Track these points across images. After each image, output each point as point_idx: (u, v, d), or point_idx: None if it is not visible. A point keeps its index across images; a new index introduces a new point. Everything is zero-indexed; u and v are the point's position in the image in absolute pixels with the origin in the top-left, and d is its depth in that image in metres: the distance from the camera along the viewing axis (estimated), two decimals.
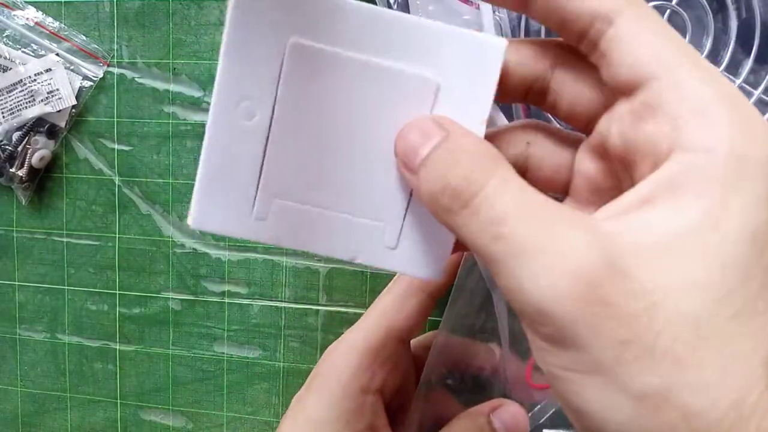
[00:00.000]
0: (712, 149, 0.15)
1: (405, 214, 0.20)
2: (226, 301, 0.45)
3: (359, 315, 0.43)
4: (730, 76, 0.31)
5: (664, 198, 0.16)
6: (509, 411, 0.28)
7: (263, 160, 0.20)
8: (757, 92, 0.31)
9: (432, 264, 0.20)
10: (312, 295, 0.44)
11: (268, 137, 0.20)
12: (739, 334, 0.15)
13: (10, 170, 0.45)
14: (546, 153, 0.21)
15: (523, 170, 0.22)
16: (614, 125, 0.18)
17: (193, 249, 0.45)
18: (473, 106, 0.19)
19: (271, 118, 0.19)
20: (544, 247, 0.15)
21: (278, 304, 0.45)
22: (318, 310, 0.44)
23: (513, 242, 0.16)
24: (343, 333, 0.44)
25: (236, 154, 0.20)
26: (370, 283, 0.43)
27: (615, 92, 0.18)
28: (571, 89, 0.20)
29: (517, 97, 0.21)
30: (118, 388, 0.48)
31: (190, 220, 0.20)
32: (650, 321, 0.15)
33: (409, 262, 0.21)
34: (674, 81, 0.16)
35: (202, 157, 0.20)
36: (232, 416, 0.46)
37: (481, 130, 0.19)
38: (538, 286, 0.15)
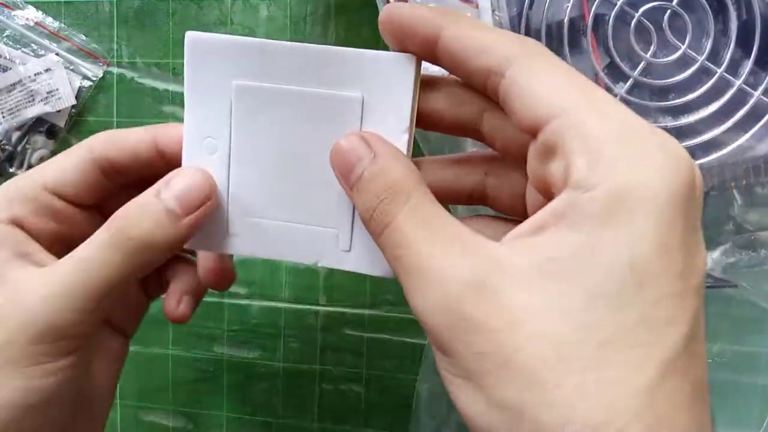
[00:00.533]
0: (593, 186, 0.16)
1: (353, 221, 0.23)
2: (226, 301, 0.46)
3: (359, 315, 0.44)
4: (730, 77, 0.32)
5: (549, 228, 0.17)
6: (180, 181, 0.24)
7: (228, 186, 0.24)
8: (757, 93, 0.31)
9: (384, 262, 0.23)
10: (312, 295, 0.45)
11: (229, 166, 0.24)
12: (608, 361, 0.15)
13: (10, 170, 0.45)
14: (503, 183, 0.23)
15: (483, 197, 0.23)
16: (530, 165, 0.20)
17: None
18: (395, 118, 0.22)
19: (230, 149, 0.24)
20: (425, 268, 0.18)
21: (278, 304, 0.45)
22: (318, 310, 0.45)
23: (405, 263, 0.19)
24: (342, 333, 0.44)
25: None
26: (370, 283, 0.44)
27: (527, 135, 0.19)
28: (500, 133, 0.21)
29: (458, 134, 0.23)
30: (117, 388, 0.48)
31: (187, 244, 0.25)
32: (509, 337, 0.16)
33: (363, 262, 0.24)
34: (568, 120, 0.17)
35: None
36: (232, 416, 0.47)
37: (404, 140, 0.22)
38: (417, 301, 0.18)
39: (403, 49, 0.21)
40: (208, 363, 0.46)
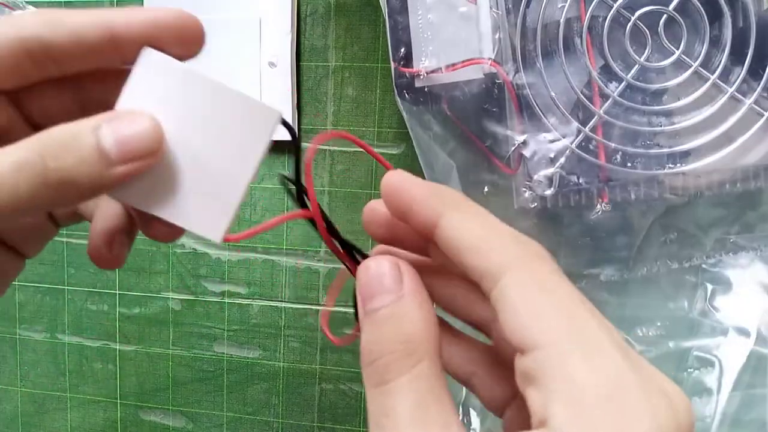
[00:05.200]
0: None
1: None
2: (226, 301, 0.48)
3: None
4: (722, 84, 0.33)
5: None
6: (127, 124, 0.21)
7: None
8: (749, 102, 0.32)
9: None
10: (312, 295, 0.46)
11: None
12: None
13: None
14: (485, 385, 0.23)
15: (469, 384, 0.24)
16: (516, 375, 0.19)
17: (193, 249, 0.47)
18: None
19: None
20: None
21: (278, 304, 0.47)
22: (318, 310, 0.46)
23: None
24: (342, 333, 0.46)
25: None
26: None
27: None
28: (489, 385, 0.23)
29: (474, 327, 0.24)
30: (118, 388, 0.50)
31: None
32: None
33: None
34: (554, 356, 0.17)
35: None
36: (232, 416, 0.49)
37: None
38: None
39: (404, 221, 0.21)
40: (208, 363, 0.48)
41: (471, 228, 0.19)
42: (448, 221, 0.20)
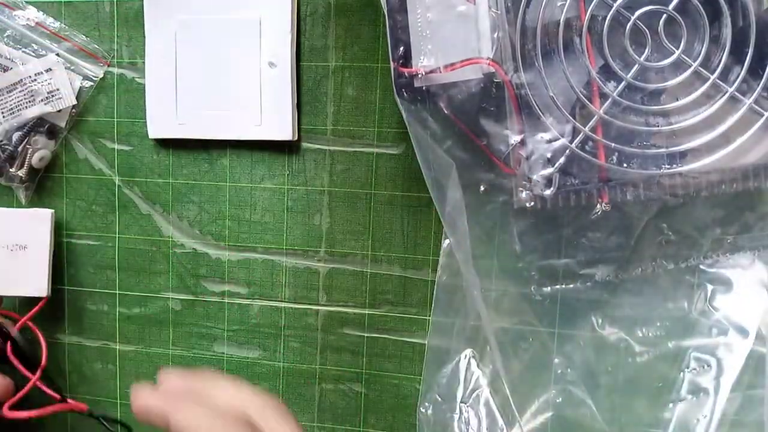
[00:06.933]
0: None
1: (261, 102, 0.40)
2: (226, 301, 0.48)
3: (359, 315, 0.46)
4: (722, 83, 0.33)
5: None
6: None
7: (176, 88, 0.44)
8: (749, 101, 0.32)
9: (288, 128, 0.40)
10: (312, 295, 0.46)
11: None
12: None
13: (10, 170, 0.47)
14: None
15: None
16: None
17: (193, 249, 0.47)
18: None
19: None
20: None
21: (278, 304, 0.47)
22: (318, 310, 0.47)
23: None
24: (342, 333, 0.46)
25: None
26: (370, 283, 0.46)
27: None
28: None
29: None
30: (118, 388, 0.50)
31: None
32: None
33: (271, 132, 0.44)
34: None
35: None
36: None
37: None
38: None
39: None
40: (208, 363, 0.48)
41: (191, 420, 0.30)
42: (175, 418, 0.30)
